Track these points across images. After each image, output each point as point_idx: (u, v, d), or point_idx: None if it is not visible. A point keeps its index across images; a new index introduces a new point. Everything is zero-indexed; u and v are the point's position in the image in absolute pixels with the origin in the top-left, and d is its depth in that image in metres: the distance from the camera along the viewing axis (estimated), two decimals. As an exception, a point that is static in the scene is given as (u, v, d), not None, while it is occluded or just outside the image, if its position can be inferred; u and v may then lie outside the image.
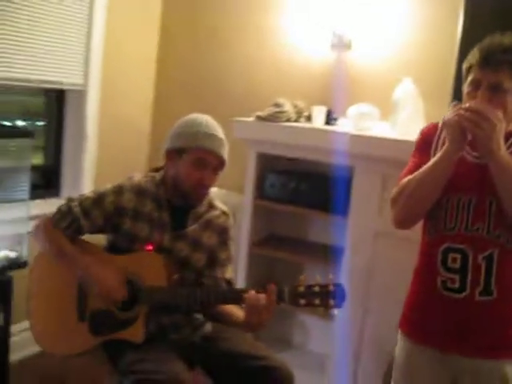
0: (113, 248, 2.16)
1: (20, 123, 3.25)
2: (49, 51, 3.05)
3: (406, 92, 2.78)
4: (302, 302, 1.95)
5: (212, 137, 2.06)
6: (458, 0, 2.66)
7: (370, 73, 3.08)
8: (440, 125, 1.86)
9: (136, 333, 2.02)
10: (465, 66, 1.81)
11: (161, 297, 2.04)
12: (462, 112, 1.69)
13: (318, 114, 2.95)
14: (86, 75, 3.27)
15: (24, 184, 2.66)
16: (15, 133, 2.69)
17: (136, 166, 3.68)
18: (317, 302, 1.94)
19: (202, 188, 2.10)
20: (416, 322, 1.93)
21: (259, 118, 2.99)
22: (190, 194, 2.10)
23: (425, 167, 1.79)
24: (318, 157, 2.89)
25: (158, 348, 2.02)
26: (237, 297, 2.01)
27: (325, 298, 1.94)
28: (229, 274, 2.24)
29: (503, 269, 1.78)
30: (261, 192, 3.14)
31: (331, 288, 1.95)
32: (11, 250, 2.65)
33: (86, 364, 2.34)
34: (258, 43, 3.41)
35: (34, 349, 2.50)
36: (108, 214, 2.10)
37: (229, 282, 2.23)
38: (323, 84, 3.17)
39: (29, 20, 2.92)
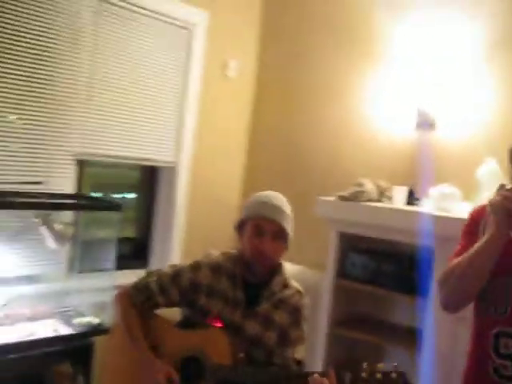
0: (186, 321, 2.22)
1: (111, 196, 3.46)
2: (145, 132, 3.31)
3: (490, 173, 2.72)
4: None
5: (269, 205, 2.09)
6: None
7: (453, 153, 3.05)
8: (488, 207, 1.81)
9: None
10: None
11: (225, 374, 2.03)
12: (506, 193, 1.64)
13: (399, 194, 2.93)
14: (177, 153, 3.47)
15: (111, 255, 2.81)
16: (104, 206, 2.87)
17: (223, 241, 3.79)
18: None
19: (262, 255, 2.09)
20: None
21: (341, 197, 3.02)
22: (252, 263, 2.11)
23: (472, 250, 1.74)
24: (399, 237, 2.85)
25: None
26: (302, 380, 1.98)
27: None
28: (299, 354, 2.18)
29: None
30: (342, 271, 3.12)
31: (394, 376, 1.87)
32: (95, 317, 2.78)
33: None
34: (344, 120, 3.48)
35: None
36: (184, 289, 2.15)
37: (299, 363, 2.19)
38: (406, 163, 3.16)
39: (127, 105, 3.20)
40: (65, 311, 2.84)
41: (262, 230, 2.07)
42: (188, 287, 2.15)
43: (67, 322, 2.78)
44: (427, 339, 2.76)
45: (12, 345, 2.51)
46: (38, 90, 2.82)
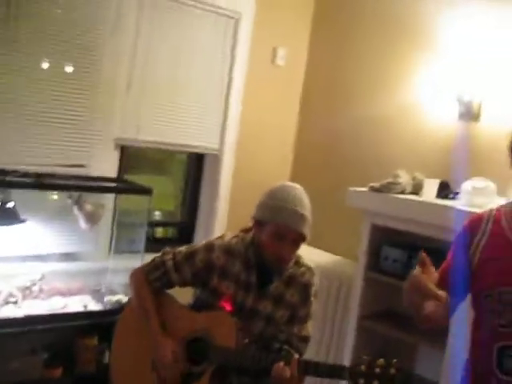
0: (198, 302, 2.26)
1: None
2: (189, 119, 3.40)
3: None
4: (361, 381, 1.85)
5: (292, 212, 2.07)
6: None
7: (496, 145, 2.86)
8: (486, 215, 1.71)
9: (201, 388, 2.08)
10: None
11: (227, 357, 2.07)
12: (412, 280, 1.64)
13: (430, 187, 2.81)
14: (221, 141, 3.53)
15: (141, 237, 2.92)
16: (135, 190, 2.99)
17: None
18: (375, 383, 1.84)
19: (281, 261, 2.12)
20: None
21: (372, 188, 2.94)
22: (271, 264, 2.14)
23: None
24: (429, 232, 2.73)
25: None
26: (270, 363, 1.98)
27: (385, 381, 1.83)
28: (306, 331, 2.19)
29: None
30: (375, 264, 3.04)
31: (392, 372, 1.82)
32: (125, 296, 2.91)
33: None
34: (389, 110, 3.38)
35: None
36: (197, 270, 2.20)
37: (305, 339, 2.18)
38: (447, 155, 3.01)
39: (172, 92, 3.31)
40: (97, 289, 3.00)
41: (283, 236, 2.08)
42: (201, 267, 2.20)
43: (98, 298, 2.94)
44: (458, 339, 2.64)
45: (43, 316, 2.70)
46: (83, 76, 2.97)
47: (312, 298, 2.21)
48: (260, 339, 2.15)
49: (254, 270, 2.16)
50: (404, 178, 2.93)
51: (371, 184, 2.96)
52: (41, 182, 2.69)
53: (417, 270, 1.64)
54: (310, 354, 2.32)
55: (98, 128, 3.07)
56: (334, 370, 1.93)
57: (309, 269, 2.24)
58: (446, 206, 2.68)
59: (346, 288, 3.19)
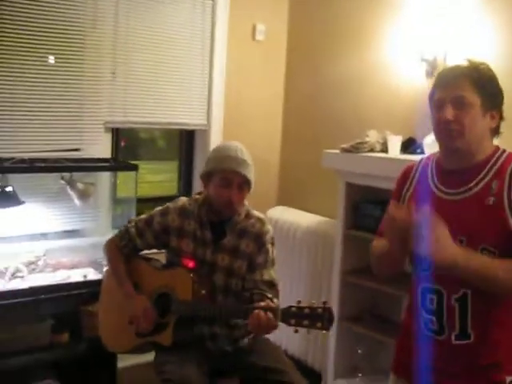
0: (168, 263, 2.52)
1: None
2: (173, 97, 3.62)
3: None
4: (292, 321, 2.07)
5: (233, 158, 2.32)
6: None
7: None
8: (417, 163, 1.91)
9: (166, 337, 2.34)
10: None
11: (186, 309, 2.32)
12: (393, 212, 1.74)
13: (394, 144, 2.95)
14: (208, 116, 3.74)
15: (132, 212, 3.16)
16: (121, 167, 3.24)
17: (267, 198, 4.03)
18: (305, 322, 2.05)
19: (231, 204, 2.34)
20: (402, 360, 1.92)
21: (343, 149, 3.10)
22: (222, 211, 2.37)
23: (381, 247, 1.86)
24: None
25: (185, 353, 2.31)
26: (242, 314, 2.20)
27: (313, 320, 2.04)
28: (268, 275, 2.39)
29: (478, 311, 1.69)
30: (354, 221, 3.21)
31: (320, 311, 2.03)
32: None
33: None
34: (362, 70, 3.51)
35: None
36: (157, 233, 2.46)
37: (269, 283, 2.39)
38: (415, 113, 3.14)
39: (154, 73, 3.52)
40: (98, 261, 3.27)
41: (229, 182, 2.31)
42: (159, 230, 2.45)
43: (99, 270, 3.20)
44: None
45: (48, 287, 2.98)
46: (67, 66, 3.21)
47: (268, 245, 2.41)
48: (227, 291, 2.38)
49: (207, 227, 2.38)
50: (372, 137, 3.08)
51: (342, 145, 3.12)
52: (33, 166, 2.96)
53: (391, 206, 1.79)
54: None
55: (88, 114, 3.32)
56: (275, 311, 2.10)
57: (259, 219, 2.45)
58: (407, 160, 2.82)
59: (329, 246, 3.37)
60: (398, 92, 3.30)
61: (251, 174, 2.36)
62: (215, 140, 3.77)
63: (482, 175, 1.72)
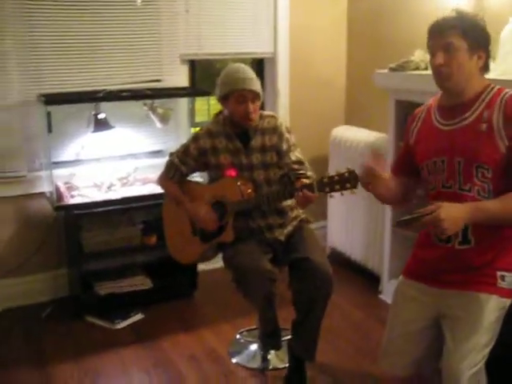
0: (212, 180, 2.95)
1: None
2: (246, 30, 4.03)
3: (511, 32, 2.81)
4: (327, 189, 2.42)
5: (243, 79, 2.71)
6: None
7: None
8: (424, 105, 2.21)
9: (228, 235, 2.79)
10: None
11: (239, 205, 2.76)
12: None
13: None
14: (275, 45, 4.10)
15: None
16: (195, 93, 3.69)
17: (335, 119, 4.37)
18: (337, 187, 2.40)
19: (248, 116, 2.73)
20: (412, 266, 2.24)
21: (391, 68, 3.35)
22: (242, 124, 2.78)
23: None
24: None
25: (250, 245, 2.74)
26: (287, 195, 2.62)
27: (343, 183, 2.38)
28: (294, 157, 2.81)
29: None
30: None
31: (346, 175, 2.37)
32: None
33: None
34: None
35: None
36: (195, 156, 2.88)
37: (299, 162, 2.80)
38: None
39: (230, 10, 3.94)
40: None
41: (244, 99, 2.72)
42: (197, 154, 2.88)
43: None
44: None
45: (138, 197, 3.54)
46: (146, 8, 3.69)
47: (286, 134, 2.83)
48: (268, 183, 2.81)
49: (235, 138, 2.81)
50: (418, 56, 3.29)
51: (390, 65, 3.37)
52: (121, 95, 3.49)
53: (366, 162, 2.15)
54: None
55: (166, 48, 3.80)
56: (312, 185, 2.47)
57: (271, 116, 2.87)
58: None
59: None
60: (441, 12, 3.43)
61: (259, 87, 2.75)
62: (283, 68, 4.12)
63: (474, 107, 2.00)
